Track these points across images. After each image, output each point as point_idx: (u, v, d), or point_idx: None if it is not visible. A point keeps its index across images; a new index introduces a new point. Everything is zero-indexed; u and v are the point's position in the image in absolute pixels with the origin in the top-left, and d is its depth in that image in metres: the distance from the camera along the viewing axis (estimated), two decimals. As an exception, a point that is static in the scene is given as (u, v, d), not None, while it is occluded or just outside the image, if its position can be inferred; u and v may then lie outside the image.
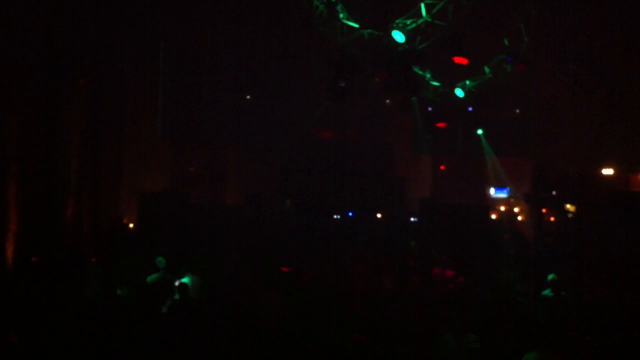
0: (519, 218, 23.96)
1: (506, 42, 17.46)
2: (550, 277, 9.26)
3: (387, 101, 23.04)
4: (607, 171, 20.30)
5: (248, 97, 21.98)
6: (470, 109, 20.98)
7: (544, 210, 22.45)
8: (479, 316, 7.99)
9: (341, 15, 16.08)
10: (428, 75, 18.69)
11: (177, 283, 9.34)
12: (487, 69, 18.31)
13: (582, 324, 7.89)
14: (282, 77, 20.79)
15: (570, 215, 21.00)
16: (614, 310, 9.05)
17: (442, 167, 25.47)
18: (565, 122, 22.05)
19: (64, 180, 13.25)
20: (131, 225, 16.58)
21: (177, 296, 8.86)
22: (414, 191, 23.19)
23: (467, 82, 19.05)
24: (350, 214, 21.08)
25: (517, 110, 24.35)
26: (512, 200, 25.18)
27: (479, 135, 21.72)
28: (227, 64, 20.40)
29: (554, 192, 21.81)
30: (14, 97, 11.65)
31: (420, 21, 15.84)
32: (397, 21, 15.86)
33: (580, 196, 18.33)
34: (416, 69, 17.38)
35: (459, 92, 19.07)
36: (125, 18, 14.97)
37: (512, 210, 24.56)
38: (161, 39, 18.09)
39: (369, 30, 16.29)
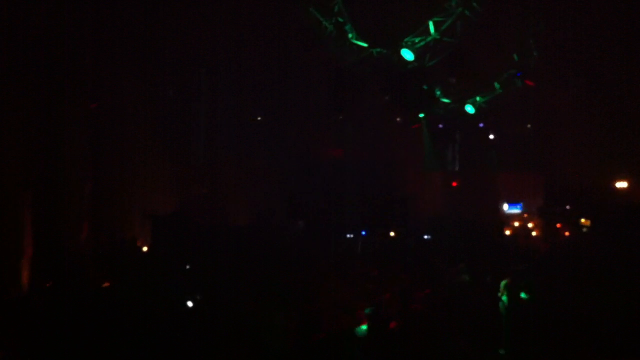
0: (533, 233, 23.79)
1: (516, 57, 17.54)
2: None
3: (398, 119, 23.01)
4: (622, 184, 20.17)
5: (259, 118, 21.99)
6: (481, 125, 21.09)
7: (558, 225, 22.31)
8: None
9: (350, 35, 16.24)
10: (438, 93, 18.76)
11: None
12: (497, 85, 18.38)
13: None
14: (291, 95, 20.71)
15: (585, 230, 20.89)
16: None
17: (454, 184, 25.33)
18: (575, 134, 21.93)
19: (73, 203, 13.31)
20: (144, 247, 16.59)
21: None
22: (425, 208, 23.06)
23: (478, 99, 19.10)
24: (364, 232, 20.99)
25: (529, 125, 24.29)
26: (525, 215, 25.02)
27: (491, 151, 21.74)
28: (234, 83, 20.39)
29: (567, 207, 21.73)
30: (19, 122, 11.70)
31: (429, 39, 15.96)
32: (406, 39, 15.99)
33: (594, 208, 18.23)
34: (426, 87, 17.48)
35: (470, 109, 19.12)
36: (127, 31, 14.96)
37: (527, 226, 24.38)
38: (166, 56, 17.99)
39: (378, 49, 16.43)
